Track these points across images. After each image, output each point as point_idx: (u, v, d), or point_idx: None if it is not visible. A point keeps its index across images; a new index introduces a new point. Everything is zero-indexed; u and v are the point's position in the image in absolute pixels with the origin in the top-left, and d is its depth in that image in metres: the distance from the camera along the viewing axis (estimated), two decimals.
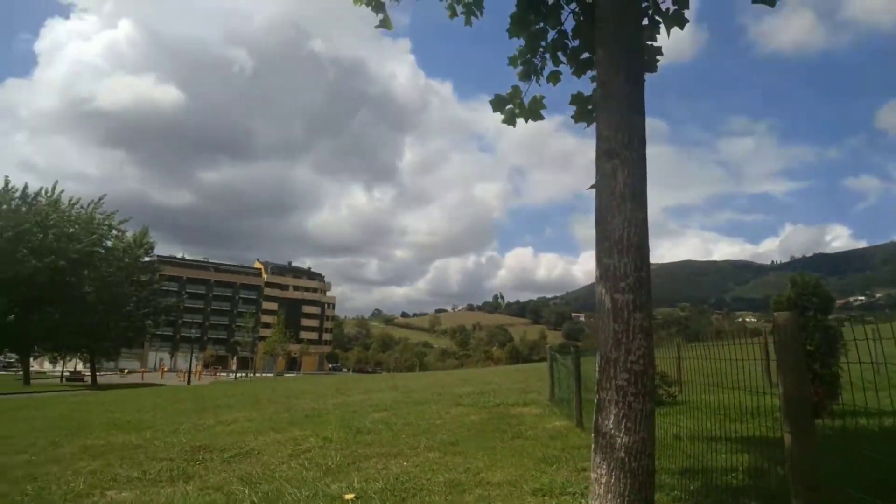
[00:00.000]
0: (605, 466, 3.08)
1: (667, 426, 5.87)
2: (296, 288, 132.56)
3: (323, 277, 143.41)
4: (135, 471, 6.34)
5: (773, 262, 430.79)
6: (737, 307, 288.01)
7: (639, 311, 3.16)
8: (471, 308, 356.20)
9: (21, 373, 47.03)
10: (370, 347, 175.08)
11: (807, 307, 8.38)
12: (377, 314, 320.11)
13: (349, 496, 4.78)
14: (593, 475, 3.14)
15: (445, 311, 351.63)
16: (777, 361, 2.73)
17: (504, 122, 4.83)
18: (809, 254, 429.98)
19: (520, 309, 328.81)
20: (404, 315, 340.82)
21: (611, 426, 3.09)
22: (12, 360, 55.36)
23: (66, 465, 6.91)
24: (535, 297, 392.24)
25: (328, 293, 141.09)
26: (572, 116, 4.81)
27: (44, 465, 6.94)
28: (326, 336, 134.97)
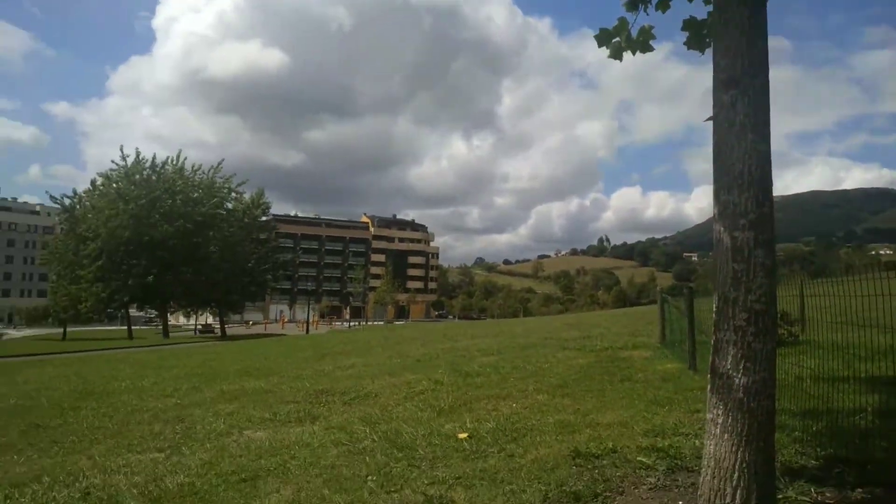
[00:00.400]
0: (721, 407, 2.99)
1: (787, 366, 5.59)
2: (401, 240, 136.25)
3: (426, 228, 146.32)
4: (266, 412, 6.92)
5: None
6: (871, 239, 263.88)
7: (760, 249, 2.98)
8: (574, 252, 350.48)
9: (161, 327, 52.00)
10: (474, 295, 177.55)
11: None
12: (480, 262, 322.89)
13: (463, 435, 4.97)
14: (709, 416, 3.07)
15: (548, 256, 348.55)
16: None
17: (611, 56, 4.59)
18: None
19: (627, 251, 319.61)
20: (506, 262, 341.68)
21: (728, 367, 2.98)
22: (152, 316, 61.38)
23: (207, 407, 7.65)
24: (643, 238, 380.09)
25: (432, 243, 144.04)
26: (685, 43, 4.50)
27: (188, 408, 7.72)
28: (432, 285, 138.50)
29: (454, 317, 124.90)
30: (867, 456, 3.58)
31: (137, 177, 45.41)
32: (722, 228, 3.08)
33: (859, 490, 3.15)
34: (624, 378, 7.64)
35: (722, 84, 3.14)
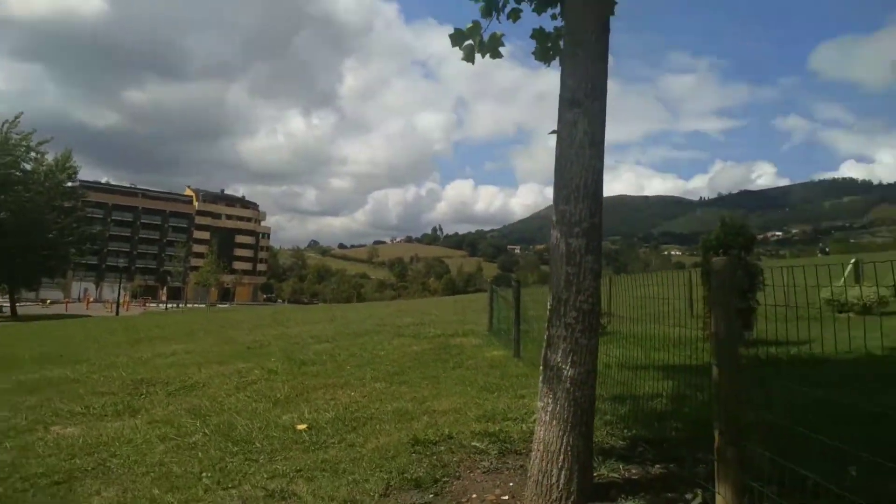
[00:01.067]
0: (551, 396, 3.30)
1: (598, 356, 6.26)
2: (229, 217, 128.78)
3: (258, 206, 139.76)
4: (77, 405, 6.27)
5: (701, 198, 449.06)
6: (664, 241, 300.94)
7: (590, 255, 3.33)
8: (409, 240, 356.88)
9: None
10: (306, 278, 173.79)
11: (731, 246, 8.94)
12: (313, 245, 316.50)
13: (301, 426, 4.93)
14: (540, 403, 3.37)
15: (384, 242, 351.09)
16: (710, 301, 2.95)
17: (464, 59, 4.76)
18: (735, 190, 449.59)
19: (458, 241, 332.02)
20: (342, 246, 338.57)
21: (559, 359, 3.30)
22: None
23: (2, 400, 6.76)
24: (473, 229, 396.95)
25: (263, 223, 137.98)
26: (532, 53, 4.83)
27: None
28: (261, 267, 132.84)
29: (284, 301, 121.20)
30: (663, 435, 4.16)
31: None
32: (559, 235, 3.39)
33: (657, 465, 3.66)
34: (456, 365, 8.02)
35: (566, 103, 3.44)
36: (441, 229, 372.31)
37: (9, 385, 7.83)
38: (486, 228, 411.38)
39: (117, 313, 45.58)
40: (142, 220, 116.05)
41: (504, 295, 11.09)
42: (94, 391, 7.10)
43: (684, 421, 4.47)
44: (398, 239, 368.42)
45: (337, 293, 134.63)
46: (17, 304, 48.26)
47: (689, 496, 3.16)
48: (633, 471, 3.60)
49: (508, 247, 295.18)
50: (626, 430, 4.36)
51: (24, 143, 44.49)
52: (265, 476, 3.70)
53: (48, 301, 75.81)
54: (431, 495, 3.37)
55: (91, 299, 77.32)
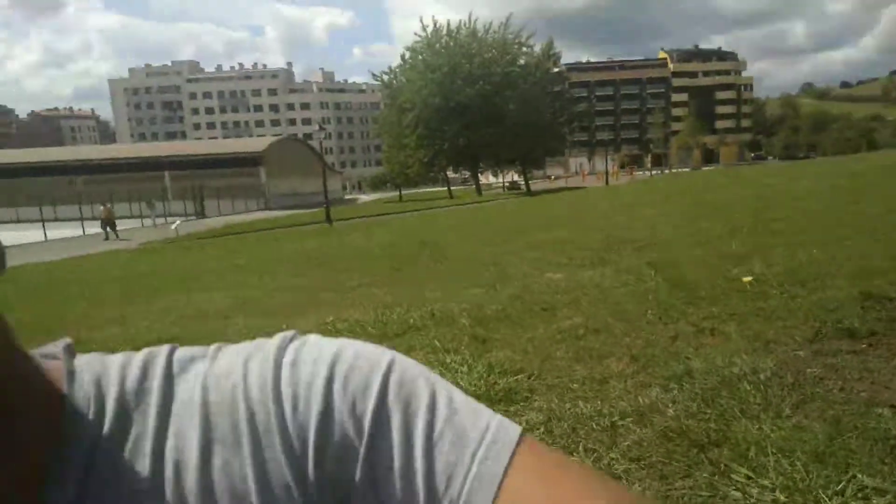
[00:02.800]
0: None
1: None
2: (705, 73, 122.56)
3: (736, 56, 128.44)
4: (564, 258, 7.86)
5: None
6: None
7: None
8: None
9: (474, 185, 57.61)
10: (800, 130, 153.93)
11: None
12: (807, 88, 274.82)
13: (747, 279, 5.16)
14: None
15: None
16: None
17: None
18: None
19: None
20: (845, 85, 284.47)
21: None
22: (466, 177, 68.19)
23: (517, 254, 8.93)
24: None
25: (744, 73, 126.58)
26: None
27: (501, 255, 9.10)
28: (745, 122, 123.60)
29: (775, 158, 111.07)
30: None
31: (437, 45, 48.89)
32: None
33: None
34: None
35: None
36: None
37: (522, 244, 10.16)
38: None
39: (607, 183, 50.34)
40: (621, 92, 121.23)
41: None
42: (578, 247, 8.65)
43: None
44: None
45: (839, 143, 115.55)
46: (530, 182, 58.19)
47: None
48: None
49: None
50: None
51: (517, 41, 51.56)
52: (700, 317, 4.20)
53: (553, 177, 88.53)
54: (864, 345, 3.31)
55: (586, 172, 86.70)
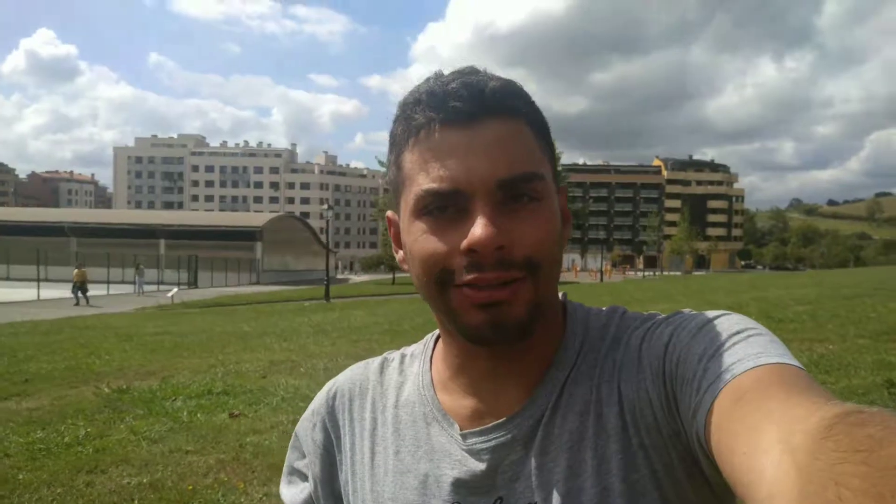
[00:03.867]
0: None
1: None
2: (698, 182, 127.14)
3: (728, 168, 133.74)
4: None
5: None
6: None
7: None
8: None
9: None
10: (788, 242, 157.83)
11: None
12: (796, 204, 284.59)
13: None
14: None
15: (889, 194, 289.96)
16: None
17: None
18: None
19: None
20: (831, 203, 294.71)
21: None
22: None
23: None
24: None
25: (735, 185, 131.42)
26: None
27: None
28: (736, 232, 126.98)
29: (764, 267, 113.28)
30: None
31: None
32: None
33: None
34: None
35: None
36: None
37: None
38: None
39: (601, 280, 50.97)
40: (615, 195, 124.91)
41: None
42: None
43: None
44: None
45: (828, 258, 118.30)
46: None
47: None
48: None
49: None
50: None
51: None
52: None
53: None
54: None
55: (578, 268, 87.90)
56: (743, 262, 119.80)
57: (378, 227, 68.39)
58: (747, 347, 0.51)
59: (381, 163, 57.65)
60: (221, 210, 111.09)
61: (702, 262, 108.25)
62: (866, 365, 5.09)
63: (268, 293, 32.49)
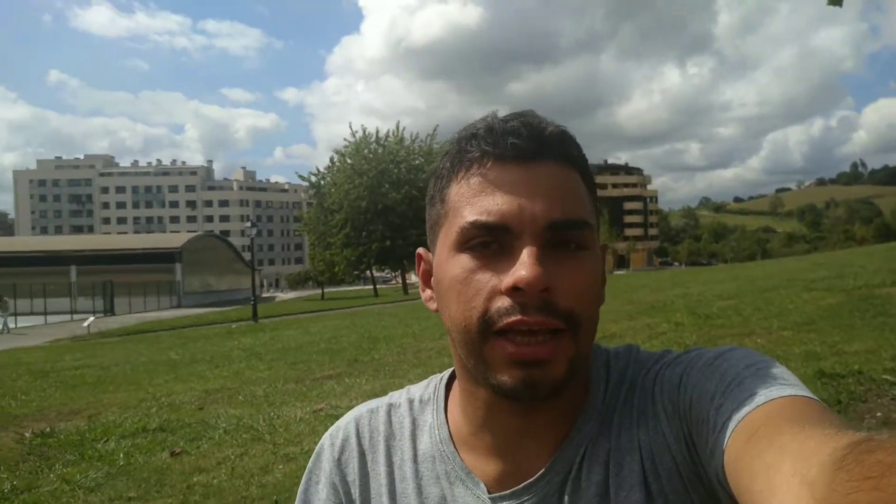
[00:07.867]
0: None
1: None
2: (614, 185, 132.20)
3: (641, 171, 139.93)
4: None
5: None
6: None
7: None
8: (821, 182, 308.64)
9: (400, 284, 58.02)
10: (701, 239, 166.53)
11: None
12: (705, 202, 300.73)
13: None
14: None
15: (789, 189, 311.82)
16: None
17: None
18: None
19: (889, 176, 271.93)
20: (737, 200, 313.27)
21: None
22: (390, 277, 69.04)
23: None
24: None
25: (649, 186, 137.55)
26: None
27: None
28: (652, 231, 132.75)
29: (680, 264, 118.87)
30: None
31: (366, 151, 50.67)
32: None
33: None
34: (878, 313, 7.47)
35: None
36: (864, 164, 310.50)
37: None
38: None
39: None
40: None
41: None
42: None
43: None
44: (807, 183, 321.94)
45: (737, 251, 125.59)
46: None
47: None
48: None
49: None
50: None
51: (442, 150, 53.91)
52: None
53: None
54: (835, 412, 3.71)
55: None
56: (660, 260, 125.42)
57: (304, 241, 67.11)
58: (757, 382, 0.52)
59: (301, 177, 56.65)
60: (136, 232, 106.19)
61: (622, 262, 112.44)
62: (795, 357, 5.41)
63: (192, 316, 31.21)
